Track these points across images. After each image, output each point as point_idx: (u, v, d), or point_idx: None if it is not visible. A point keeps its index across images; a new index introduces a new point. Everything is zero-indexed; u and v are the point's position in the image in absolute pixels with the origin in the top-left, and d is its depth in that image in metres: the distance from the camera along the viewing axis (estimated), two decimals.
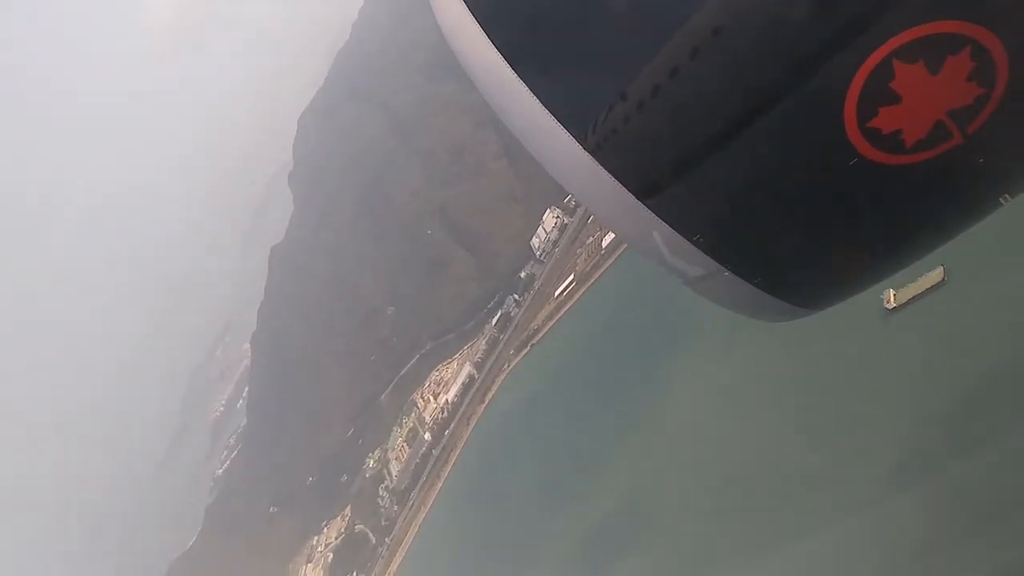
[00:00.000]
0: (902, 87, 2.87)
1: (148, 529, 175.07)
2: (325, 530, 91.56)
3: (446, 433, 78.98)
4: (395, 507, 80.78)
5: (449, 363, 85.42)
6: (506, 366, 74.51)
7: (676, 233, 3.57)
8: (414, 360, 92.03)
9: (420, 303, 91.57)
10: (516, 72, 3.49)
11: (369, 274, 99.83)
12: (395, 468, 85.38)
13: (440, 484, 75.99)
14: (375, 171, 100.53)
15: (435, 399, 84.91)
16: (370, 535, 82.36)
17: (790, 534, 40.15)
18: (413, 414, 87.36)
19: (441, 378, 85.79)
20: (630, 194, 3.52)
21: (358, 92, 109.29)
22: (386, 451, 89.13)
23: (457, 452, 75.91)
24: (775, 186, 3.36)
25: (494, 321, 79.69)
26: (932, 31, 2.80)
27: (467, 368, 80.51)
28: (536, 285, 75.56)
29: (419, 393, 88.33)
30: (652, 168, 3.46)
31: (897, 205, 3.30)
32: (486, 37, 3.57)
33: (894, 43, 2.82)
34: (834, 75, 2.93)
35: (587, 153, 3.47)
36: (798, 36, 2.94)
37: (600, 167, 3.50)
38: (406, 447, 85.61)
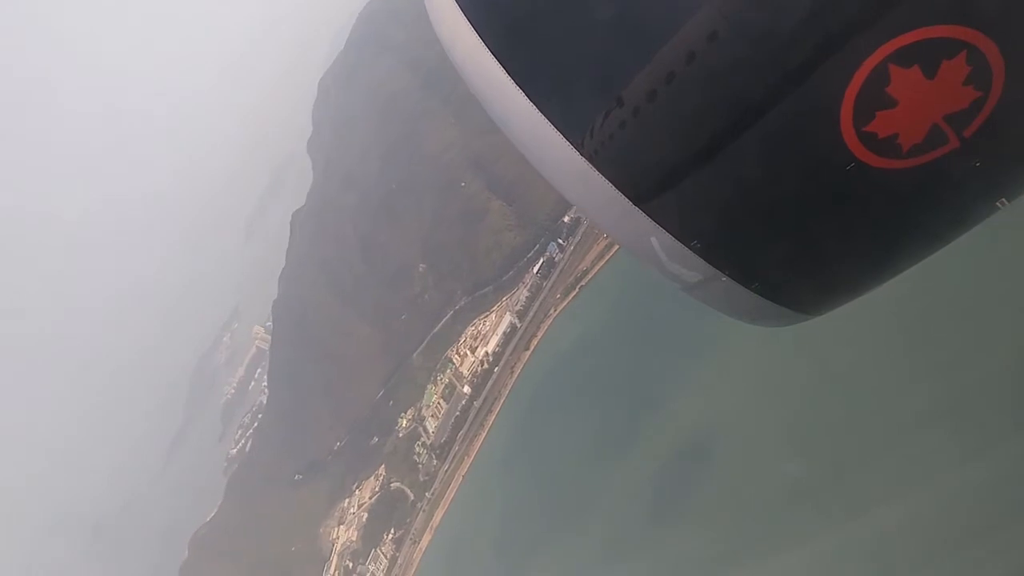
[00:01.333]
0: (898, 91, 2.87)
1: (161, 515, 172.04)
2: (357, 492, 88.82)
3: (488, 384, 76.43)
4: (434, 461, 78.16)
5: (486, 316, 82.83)
6: (552, 311, 72.02)
7: (673, 239, 3.55)
8: (448, 317, 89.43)
9: (453, 258, 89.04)
10: (513, 79, 3.49)
11: (398, 232, 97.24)
12: (431, 425, 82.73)
13: (483, 435, 73.44)
14: (404, 126, 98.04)
15: (472, 353, 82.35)
16: (407, 491, 79.70)
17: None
18: (449, 370, 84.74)
19: (478, 332, 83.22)
20: (627, 200, 3.51)
21: (386, 47, 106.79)
22: (420, 409, 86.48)
23: (501, 402, 73.38)
24: (772, 191, 3.33)
25: (536, 269, 77.12)
26: (927, 36, 2.80)
27: (508, 318, 77.98)
28: (582, 228, 73.02)
29: (454, 350, 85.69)
30: (649, 174, 3.44)
31: (894, 209, 3.28)
32: (483, 44, 3.55)
33: (889, 48, 2.82)
34: (830, 80, 2.93)
35: (584, 159, 3.46)
36: (793, 41, 2.92)
37: (597, 173, 3.47)
38: (443, 403, 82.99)
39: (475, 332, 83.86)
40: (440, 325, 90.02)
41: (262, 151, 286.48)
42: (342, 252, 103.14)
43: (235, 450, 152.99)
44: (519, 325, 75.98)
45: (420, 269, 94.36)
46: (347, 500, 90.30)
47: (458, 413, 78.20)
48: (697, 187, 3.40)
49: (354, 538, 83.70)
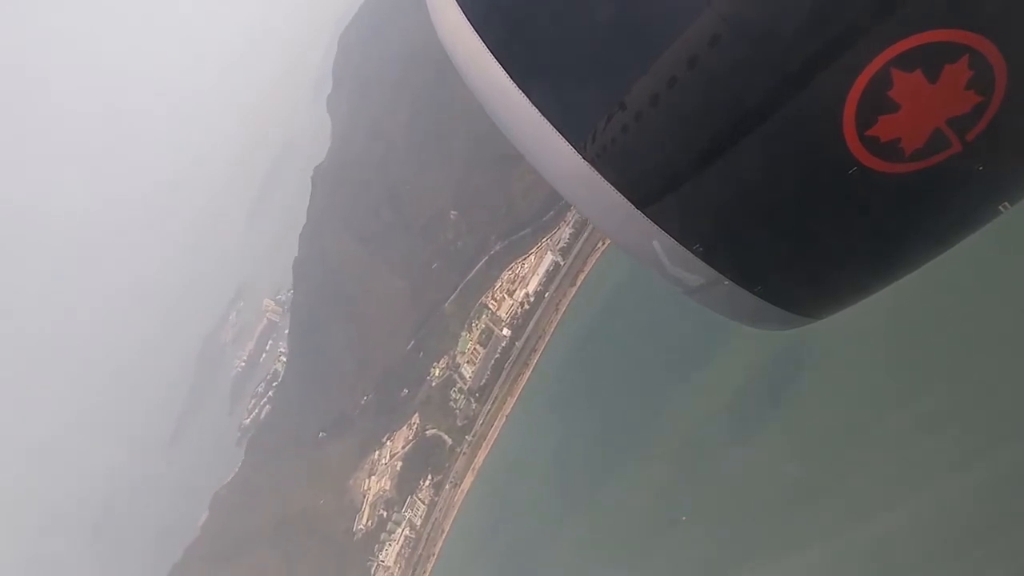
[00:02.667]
0: (900, 96, 2.87)
1: (173, 489, 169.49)
2: (388, 443, 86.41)
3: (529, 324, 74.06)
4: (473, 405, 75.80)
5: (525, 259, 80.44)
6: (600, 244, 69.54)
7: (676, 242, 3.55)
8: (482, 263, 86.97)
9: (487, 203, 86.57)
10: (515, 82, 3.49)
11: (428, 180, 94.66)
12: (468, 371, 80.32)
13: (527, 373, 71.12)
14: (433, 74, 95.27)
15: (510, 296, 79.98)
16: (445, 437, 77.34)
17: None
18: (484, 316, 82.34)
19: (516, 275, 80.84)
20: (629, 203, 3.52)
21: None
22: (454, 357, 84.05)
23: (546, 339, 71.10)
24: (774, 195, 3.33)
25: None
26: (930, 40, 2.80)
27: (549, 257, 75.62)
28: None
29: (489, 295, 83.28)
30: (651, 177, 3.46)
31: (897, 213, 3.28)
32: (485, 48, 3.56)
33: (892, 52, 2.82)
34: (832, 84, 2.93)
35: (586, 163, 3.47)
36: (796, 45, 2.93)
37: (599, 176, 3.49)
38: (479, 349, 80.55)
39: (512, 276, 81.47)
40: (474, 272, 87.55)
41: (263, 134, 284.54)
42: (369, 204, 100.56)
43: (248, 420, 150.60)
44: (563, 263, 73.60)
45: (452, 216, 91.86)
46: (377, 452, 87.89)
47: (498, 355, 75.83)
48: (699, 191, 3.37)
49: (387, 487, 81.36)
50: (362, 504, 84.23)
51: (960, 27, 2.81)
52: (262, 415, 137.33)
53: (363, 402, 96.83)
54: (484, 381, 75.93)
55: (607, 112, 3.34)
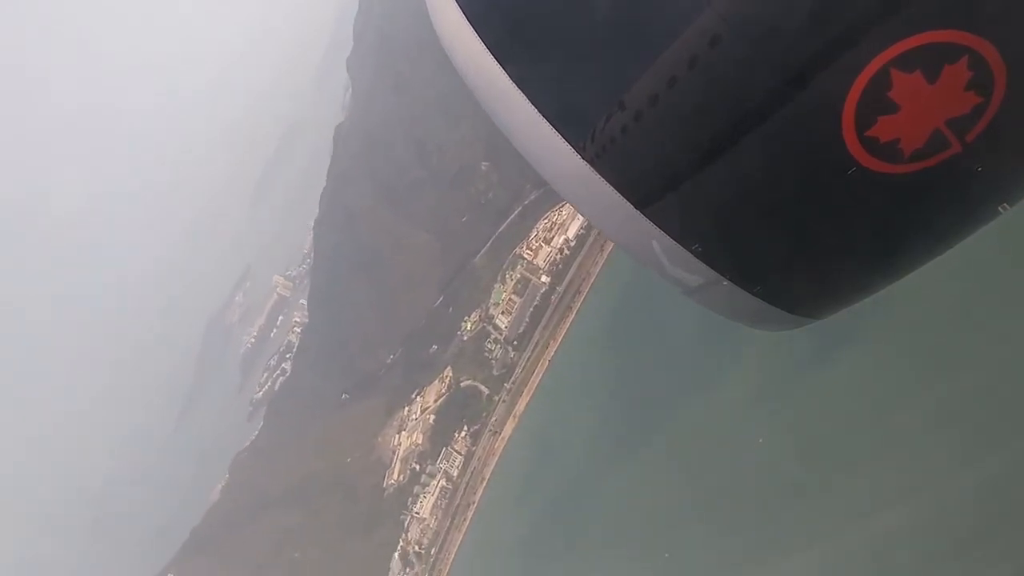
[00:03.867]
0: (900, 96, 2.87)
1: (186, 461, 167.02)
2: (419, 399, 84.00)
3: (571, 269, 71.82)
4: (511, 354, 73.49)
5: (563, 205, 78.03)
6: None
7: (675, 243, 3.54)
8: (515, 213, 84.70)
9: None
10: (514, 82, 3.48)
11: (456, 133, 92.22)
12: (503, 321, 77.98)
13: (571, 317, 68.81)
14: None
15: (548, 244, 77.71)
16: (481, 387, 75.00)
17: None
18: (520, 266, 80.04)
19: (553, 223, 78.56)
20: (629, 204, 3.51)
21: None
22: (487, 309, 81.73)
23: (590, 282, 68.77)
24: (773, 196, 3.32)
25: None
26: (929, 40, 2.80)
27: None
28: None
29: (524, 246, 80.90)
30: (650, 178, 3.45)
31: (896, 214, 3.27)
32: (484, 47, 3.55)
33: (891, 52, 2.82)
34: (832, 84, 2.92)
35: (585, 163, 3.46)
36: (796, 46, 2.93)
37: (598, 176, 3.48)
38: (515, 298, 78.23)
39: (549, 224, 79.19)
40: (506, 223, 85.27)
41: (266, 119, 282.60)
42: (395, 160, 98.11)
43: (260, 393, 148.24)
44: None
45: (483, 168, 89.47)
46: (406, 409, 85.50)
47: (536, 302, 73.55)
48: (699, 191, 3.35)
49: (419, 441, 78.98)
50: (392, 460, 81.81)
51: (959, 28, 2.78)
52: (276, 386, 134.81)
53: (389, 361, 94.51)
54: (522, 329, 73.63)
55: (606, 112, 3.30)
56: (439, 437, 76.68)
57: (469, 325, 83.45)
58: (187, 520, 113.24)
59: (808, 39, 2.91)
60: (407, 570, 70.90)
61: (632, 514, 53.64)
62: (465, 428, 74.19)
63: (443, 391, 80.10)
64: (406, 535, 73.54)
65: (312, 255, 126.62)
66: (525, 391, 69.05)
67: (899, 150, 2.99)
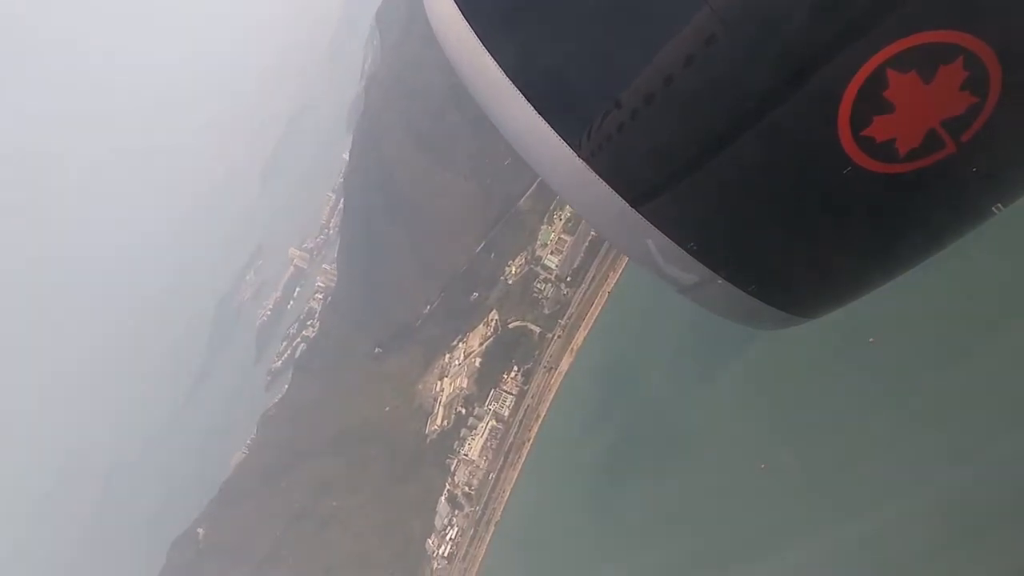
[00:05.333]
0: (896, 96, 2.88)
1: (200, 432, 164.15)
2: (461, 344, 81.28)
3: None
4: (564, 291, 70.76)
5: None
6: None
7: (670, 241, 3.56)
8: None
9: None
10: (510, 78, 3.48)
11: None
12: (553, 261, 75.24)
13: None
14: None
15: None
16: (531, 327, 72.27)
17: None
18: (568, 205, 77.36)
19: None
20: (624, 202, 3.51)
21: None
22: (534, 251, 78.99)
23: None
24: (768, 194, 3.35)
25: None
26: (925, 41, 2.81)
27: None
28: None
29: None
30: (646, 176, 3.46)
31: (891, 214, 3.29)
32: (481, 44, 3.55)
33: (887, 53, 2.83)
34: (828, 84, 2.94)
35: (581, 160, 3.47)
36: (791, 45, 2.93)
37: (594, 174, 3.48)
38: (566, 237, 75.52)
39: None
40: None
41: (276, 97, 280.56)
42: (430, 107, 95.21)
43: (280, 363, 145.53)
44: None
45: None
46: (447, 356, 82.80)
47: (592, 236, 70.69)
48: (694, 190, 3.34)
49: (464, 385, 76.21)
50: (434, 406, 79.02)
51: (955, 28, 2.77)
52: (296, 353, 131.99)
53: (426, 311, 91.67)
54: (577, 264, 70.87)
55: (602, 109, 3.30)
56: (486, 379, 73.94)
57: (514, 269, 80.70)
58: (203, 489, 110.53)
59: (805, 38, 2.88)
60: (456, 512, 68.10)
61: (710, 435, 50.88)
62: (515, 368, 71.43)
63: (488, 334, 77.31)
64: (452, 478, 70.79)
65: (340, 212, 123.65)
66: (583, 325, 66.32)
67: (894, 150, 2.97)
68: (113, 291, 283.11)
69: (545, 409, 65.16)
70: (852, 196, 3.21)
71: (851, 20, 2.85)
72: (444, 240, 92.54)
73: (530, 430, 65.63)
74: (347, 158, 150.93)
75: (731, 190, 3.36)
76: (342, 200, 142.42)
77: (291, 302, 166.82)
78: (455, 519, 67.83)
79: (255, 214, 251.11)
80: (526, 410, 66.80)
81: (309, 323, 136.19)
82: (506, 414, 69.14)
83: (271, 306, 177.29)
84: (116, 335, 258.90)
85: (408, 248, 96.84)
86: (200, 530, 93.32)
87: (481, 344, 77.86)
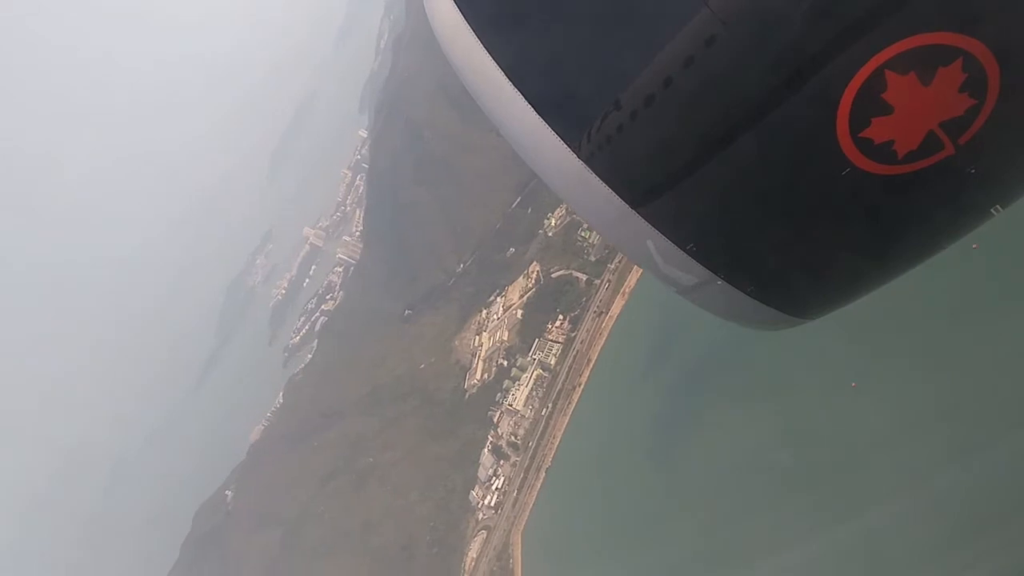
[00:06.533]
0: (894, 98, 2.88)
1: (217, 408, 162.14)
2: (499, 299, 79.42)
3: None
4: None
5: None
6: None
7: (670, 242, 3.56)
8: None
9: None
10: (511, 80, 3.48)
11: None
12: None
13: None
14: None
15: None
16: (577, 275, 70.41)
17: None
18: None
19: None
20: (624, 203, 3.52)
21: None
22: None
23: None
24: (767, 196, 3.34)
25: None
26: (924, 43, 2.80)
27: None
28: None
29: None
30: (646, 177, 3.45)
31: (889, 215, 3.29)
32: (481, 46, 3.55)
33: (886, 55, 2.83)
34: (827, 85, 2.93)
35: (581, 162, 3.46)
36: (791, 47, 2.92)
37: (594, 175, 3.48)
38: None
39: None
40: None
41: (281, 90, 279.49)
42: None
43: (298, 338, 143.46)
44: None
45: None
46: (483, 312, 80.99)
47: None
48: (693, 191, 3.36)
49: (505, 338, 74.29)
50: (473, 361, 77.08)
51: (954, 30, 2.77)
52: (317, 327, 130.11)
53: (459, 270, 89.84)
54: None
55: (602, 111, 3.30)
56: (529, 330, 72.06)
57: (553, 221, 78.91)
58: (214, 473, 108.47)
59: (804, 40, 2.86)
60: (501, 462, 66.09)
61: (784, 367, 48.92)
62: (561, 317, 69.53)
63: (529, 286, 75.43)
64: (496, 430, 68.74)
65: (358, 187, 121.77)
66: (636, 267, 64.29)
67: (893, 151, 2.97)
68: (118, 286, 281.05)
69: (596, 353, 63.27)
70: (850, 198, 3.18)
71: (851, 21, 2.80)
72: (476, 199, 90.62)
73: (581, 375, 63.74)
74: (364, 135, 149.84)
75: (730, 192, 3.32)
76: (360, 176, 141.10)
77: (307, 280, 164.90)
78: (500, 469, 65.85)
79: (263, 202, 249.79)
80: (575, 356, 64.88)
81: (329, 296, 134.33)
82: (552, 362, 67.26)
83: (285, 286, 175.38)
84: (125, 326, 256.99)
85: (438, 209, 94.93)
86: (228, 492, 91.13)
87: (521, 296, 75.96)
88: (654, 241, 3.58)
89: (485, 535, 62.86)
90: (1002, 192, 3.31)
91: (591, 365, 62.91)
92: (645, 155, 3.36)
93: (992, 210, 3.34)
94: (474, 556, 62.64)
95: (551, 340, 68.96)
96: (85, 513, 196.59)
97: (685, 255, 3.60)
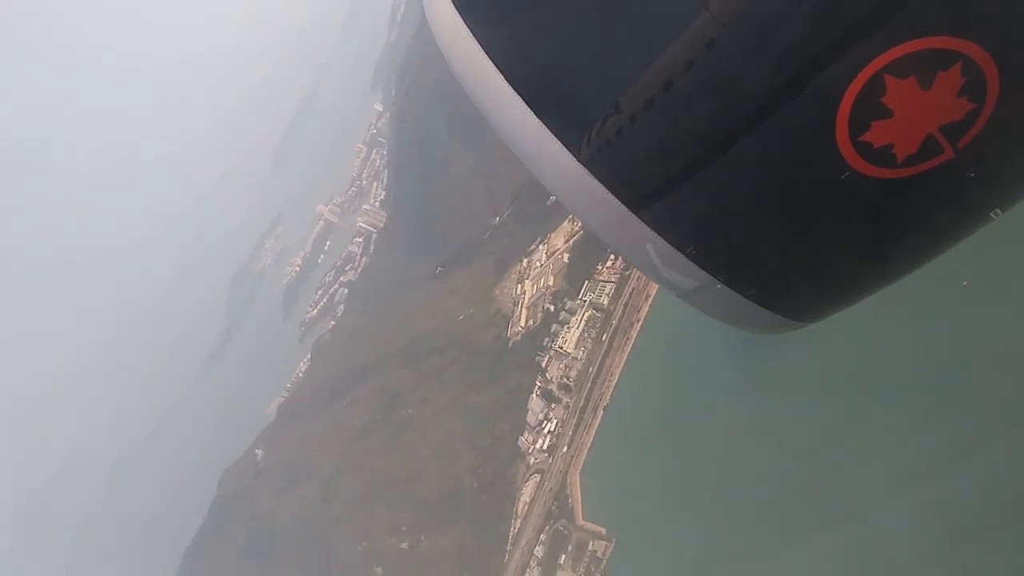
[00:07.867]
0: (894, 102, 2.87)
1: (235, 382, 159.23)
2: (541, 247, 76.71)
3: None
4: None
5: None
6: None
7: (669, 246, 3.55)
8: None
9: None
10: (510, 83, 3.46)
11: None
12: None
13: None
14: None
15: None
16: None
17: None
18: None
19: None
20: (623, 207, 3.50)
21: None
22: None
23: None
24: (767, 199, 3.32)
25: None
26: (923, 47, 2.79)
27: None
28: None
29: None
30: (645, 180, 3.43)
31: (888, 218, 3.26)
32: (482, 51, 3.53)
33: (886, 58, 2.82)
34: (826, 89, 2.92)
35: (581, 165, 3.46)
36: (790, 51, 2.91)
37: (594, 179, 3.46)
38: None
39: None
40: None
41: (286, 79, 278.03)
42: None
43: (316, 311, 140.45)
44: None
45: None
46: (524, 261, 78.26)
47: None
48: (693, 195, 3.30)
49: (551, 283, 71.57)
50: (515, 309, 74.27)
51: (953, 34, 2.74)
52: (336, 298, 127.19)
53: (496, 222, 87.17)
54: None
55: (602, 115, 3.24)
56: (577, 273, 69.36)
57: None
58: (242, 435, 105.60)
59: (804, 44, 2.83)
60: (553, 405, 63.24)
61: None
62: (612, 256, 66.64)
63: (575, 230, 72.65)
64: (544, 375, 65.91)
65: (374, 161, 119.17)
66: None
67: (892, 155, 2.94)
68: (119, 286, 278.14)
69: (655, 288, 60.43)
70: (849, 201, 3.13)
71: (850, 25, 2.76)
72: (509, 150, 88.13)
73: (639, 311, 60.94)
74: (380, 108, 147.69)
75: (730, 195, 3.26)
76: (376, 150, 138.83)
77: (322, 256, 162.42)
78: (552, 412, 62.99)
79: (270, 193, 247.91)
80: (631, 293, 62.10)
81: (348, 267, 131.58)
82: (605, 302, 64.43)
83: (299, 263, 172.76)
84: (131, 318, 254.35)
85: (471, 163, 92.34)
86: (259, 451, 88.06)
87: (567, 241, 73.30)
88: (654, 244, 3.47)
89: (539, 478, 59.99)
90: (1002, 196, 3.20)
91: (650, 300, 60.13)
92: (645, 158, 3.28)
93: (992, 214, 3.23)
94: (527, 500, 59.78)
95: (602, 280, 66.25)
96: (85, 513, 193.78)
97: (685, 259, 3.49)
